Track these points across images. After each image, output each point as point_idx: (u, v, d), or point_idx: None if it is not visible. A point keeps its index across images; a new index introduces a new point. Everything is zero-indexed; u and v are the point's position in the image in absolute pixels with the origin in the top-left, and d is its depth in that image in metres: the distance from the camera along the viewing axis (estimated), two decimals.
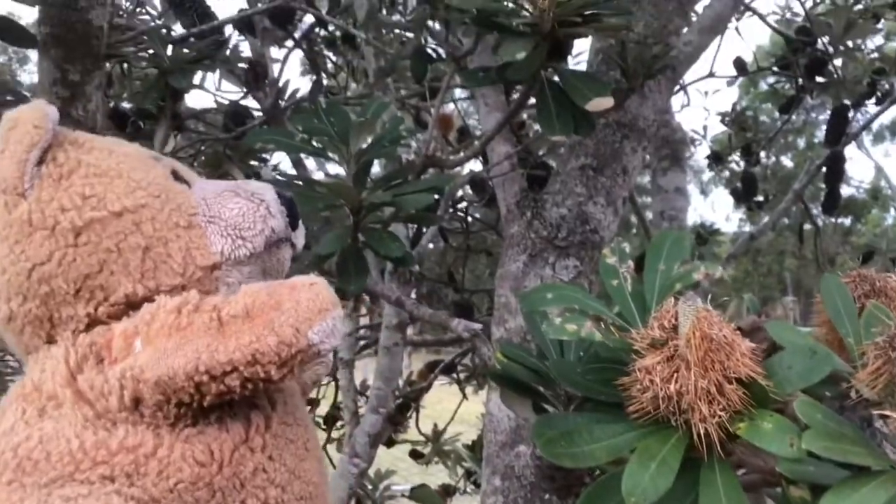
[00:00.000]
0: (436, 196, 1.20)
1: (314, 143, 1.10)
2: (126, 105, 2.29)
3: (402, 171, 1.11)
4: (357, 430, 1.93)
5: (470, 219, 2.88)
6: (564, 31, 1.04)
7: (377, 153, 1.07)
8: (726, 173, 4.43)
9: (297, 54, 2.80)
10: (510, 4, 1.09)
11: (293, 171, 2.22)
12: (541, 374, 1.02)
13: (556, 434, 0.82)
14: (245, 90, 2.01)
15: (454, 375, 3.30)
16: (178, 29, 1.87)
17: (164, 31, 1.67)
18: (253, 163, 2.50)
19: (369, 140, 1.09)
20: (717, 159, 4.09)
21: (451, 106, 3.22)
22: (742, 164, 3.95)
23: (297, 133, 1.10)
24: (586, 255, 1.94)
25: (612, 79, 1.95)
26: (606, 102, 1.03)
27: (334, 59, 2.79)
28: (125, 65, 2.21)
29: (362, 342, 3.14)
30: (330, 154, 1.07)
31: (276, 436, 1.02)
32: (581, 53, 2.25)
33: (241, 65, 2.02)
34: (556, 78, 1.09)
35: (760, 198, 4.07)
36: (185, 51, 1.56)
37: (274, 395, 1.04)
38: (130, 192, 1.02)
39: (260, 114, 2.31)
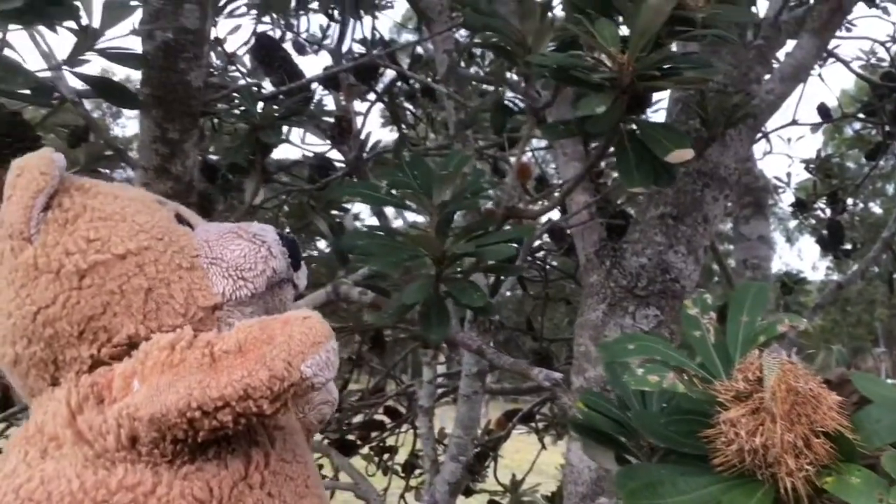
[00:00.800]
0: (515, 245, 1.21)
1: (398, 195, 1.13)
2: (214, 158, 2.39)
3: (483, 221, 1.13)
4: (437, 478, 1.93)
5: (548, 267, 2.89)
6: (643, 85, 1.06)
7: (460, 205, 1.10)
8: (812, 221, 4.33)
9: (378, 106, 2.89)
10: (589, 59, 1.11)
11: (374, 221, 2.28)
12: (622, 425, 1.02)
13: (640, 485, 0.81)
14: (330, 143, 2.08)
15: (532, 425, 3.27)
16: (267, 86, 1.96)
17: (254, 88, 1.75)
18: (334, 212, 2.57)
19: (451, 192, 1.11)
20: (801, 207, 4.00)
21: (529, 154, 3.25)
22: (828, 211, 3.86)
23: (382, 185, 1.14)
24: (667, 304, 1.93)
25: (692, 128, 1.95)
26: (687, 154, 1.03)
27: (414, 111, 2.86)
28: (216, 120, 2.31)
29: (440, 390, 3.15)
30: (413, 206, 1.10)
31: (276, 473, 1.02)
32: (660, 101, 2.25)
33: (327, 119, 2.09)
34: (635, 129, 1.10)
35: (848, 246, 3.96)
36: (275, 107, 1.63)
37: (273, 432, 1.04)
38: (134, 235, 1.03)
39: (342, 165, 2.39)
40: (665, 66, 1.06)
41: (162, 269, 1.04)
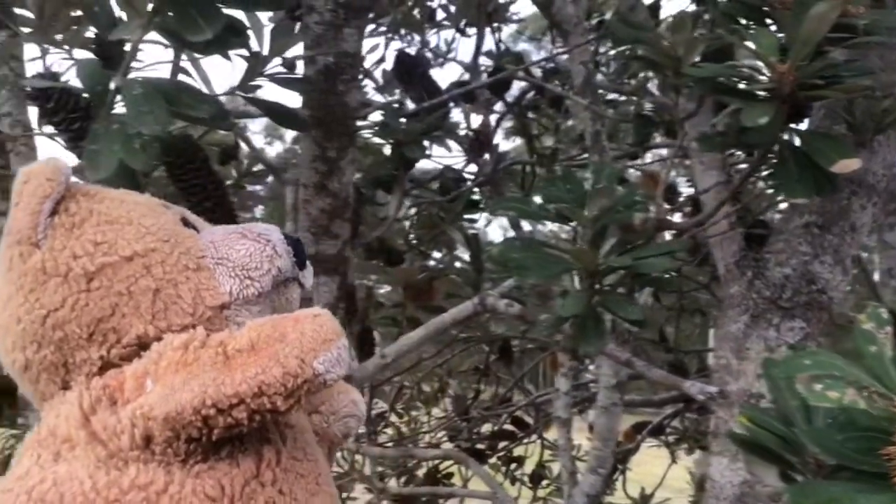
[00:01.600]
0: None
1: (551, 209, 1.14)
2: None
3: (635, 234, 1.13)
4: (575, 490, 1.93)
5: (681, 277, 2.83)
6: (805, 94, 1.04)
7: (613, 218, 1.10)
8: None
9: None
10: (745, 69, 1.10)
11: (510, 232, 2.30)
12: (786, 441, 1.00)
13: (816, 503, 0.80)
14: (467, 156, 2.12)
15: (662, 437, 3.22)
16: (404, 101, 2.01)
17: (395, 105, 1.80)
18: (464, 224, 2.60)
19: (603, 205, 1.12)
20: None
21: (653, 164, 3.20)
22: None
23: (534, 200, 1.15)
24: (813, 316, 1.86)
25: (838, 134, 1.89)
26: (853, 164, 1.01)
27: (541, 122, 2.87)
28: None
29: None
30: (569, 220, 1.11)
31: (287, 470, 1.02)
32: None
33: (458, 132, 2.13)
34: (795, 140, 1.08)
35: None
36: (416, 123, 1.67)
37: (284, 430, 1.04)
38: (140, 238, 1.04)
39: (470, 177, 2.42)
40: (827, 75, 1.04)
41: (169, 269, 1.04)
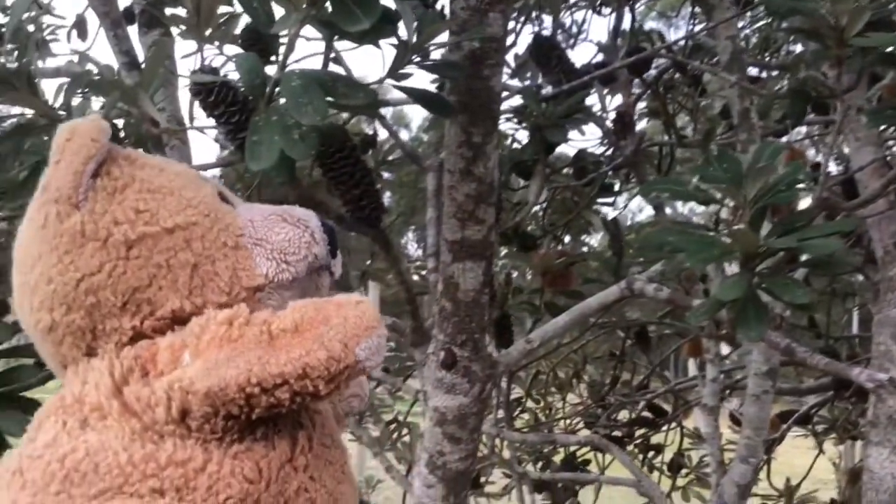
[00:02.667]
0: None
1: (706, 190, 1.10)
2: None
3: (799, 214, 1.08)
4: (724, 479, 1.87)
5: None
6: None
7: (774, 198, 1.06)
8: None
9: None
10: None
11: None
12: None
13: None
14: (609, 139, 2.08)
15: (809, 427, 3.08)
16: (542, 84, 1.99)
17: (535, 89, 1.79)
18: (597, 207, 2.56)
19: (763, 185, 1.07)
20: None
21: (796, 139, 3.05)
22: None
23: (688, 180, 1.12)
24: None
25: None
26: None
27: (679, 101, 2.79)
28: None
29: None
30: (726, 201, 1.07)
31: (317, 456, 1.01)
32: None
33: (597, 114, 2.09)
34: None
35: None
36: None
37: (314, 416, 1.03)
38: (182, 210, 1.02)
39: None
40: None
41: (208, 245, 1.03)
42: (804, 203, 1.25)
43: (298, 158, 1.00)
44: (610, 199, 2.65)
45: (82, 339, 0.99)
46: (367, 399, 1.31)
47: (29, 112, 1.22)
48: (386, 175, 3.03)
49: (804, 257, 1.11)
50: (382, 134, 2.15)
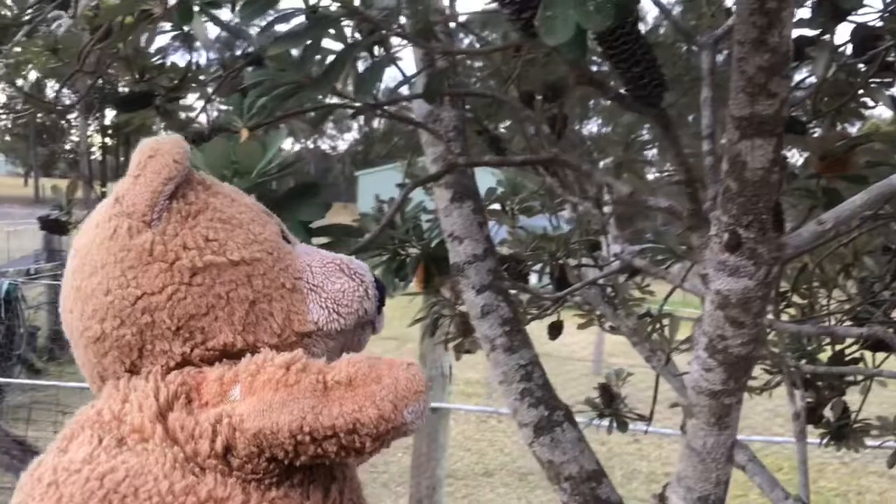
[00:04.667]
0: None
1: None
2: None
3: None
4: None
5: None
6: None
7: None
8: None
9: None
10: None
11: None
12: None
13: None
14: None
15: None
16: None
17: None
18: None
19: None
20: None
21: None
22: None
23: None
24: None
25: None
26: None
27: None
28: None
29: None
30: None
31: None
32: None
33: None
34: None
35: None
36: None
37: (346, 470, 1.02)
38: (249, 244, 1.02)
39: None
40: None
41: (268, 284, 1.03)
42: None
43: (595, 30, 0.99)
44: (890, 79, 2.40)
45: (128, 356, 1.01)
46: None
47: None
48: None
49: None
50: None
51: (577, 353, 9.13)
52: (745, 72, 1.18)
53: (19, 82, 2.36)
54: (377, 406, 0.91)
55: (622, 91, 1.29)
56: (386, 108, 1.23)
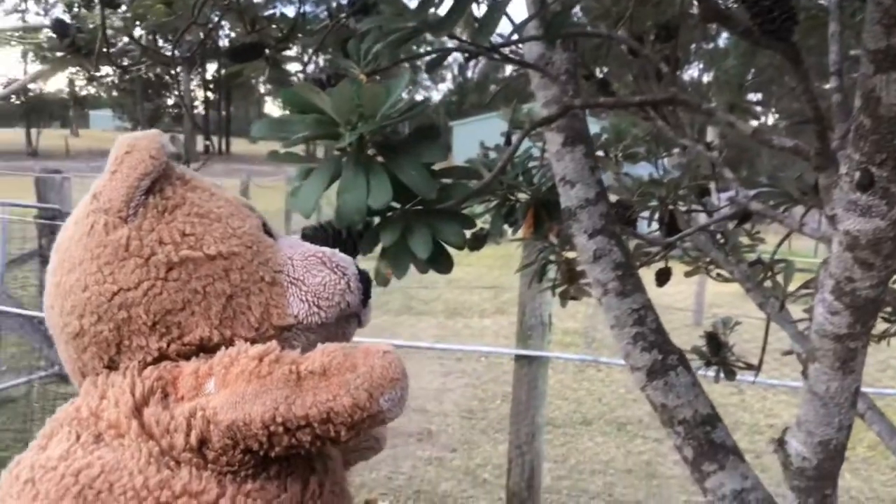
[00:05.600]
0: None
1: None
2: None
3: None
4: None
5: None
6: None
7: None
8: None
9: None
10: None
11: None
12: None
13: None
14: None
15: None
16: None
17: None
18: None
19: None
20: None
21: None
22: None
23: None
24: None
25: None
26: None
27: None
28: None
29: None
30: None
31: (327, 503, 0.99)
32: None
33: None
34: None
35: None
36: None
37: (326, 462, 1.01)
38: (227, 238, 1.01)
39: None
40: None
41: (246, 278, 1.02)
42: None
43: None
44: None
45: (106, 352, 1.01)
46: (382, 448, 1.31)
47: None
48: None
49: None
50: None
51: (677, 302, 9.00)
52: (882, 3, 1.13)
53: (137, 33, 2.44)
54: (351, 395, 0.91)
55: (750, 25, 1.25)
56: (502, 50, 1.22)
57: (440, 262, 1.14)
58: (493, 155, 2.21)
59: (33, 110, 58.32)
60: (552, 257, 2.37)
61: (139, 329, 0.99)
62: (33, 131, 55.74)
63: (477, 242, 1.97)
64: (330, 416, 0.91)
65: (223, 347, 0.99)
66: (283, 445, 0.92)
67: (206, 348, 1.01)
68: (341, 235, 1.25)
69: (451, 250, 1.15)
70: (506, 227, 2.03)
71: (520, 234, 2.17)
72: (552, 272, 2.49)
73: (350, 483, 1.15)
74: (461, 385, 7.61)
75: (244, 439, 0.91)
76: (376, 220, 1.16)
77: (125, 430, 0.94)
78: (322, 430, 0.92)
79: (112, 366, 1.01)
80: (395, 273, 1.12)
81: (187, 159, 2.52)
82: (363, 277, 1.15)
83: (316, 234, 1.27)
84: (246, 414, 0.89)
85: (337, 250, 1.15)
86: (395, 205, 1.11)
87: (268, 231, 1.11)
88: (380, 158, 1.08)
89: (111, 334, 0.99)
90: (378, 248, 1.19)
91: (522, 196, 1.93)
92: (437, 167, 1.20)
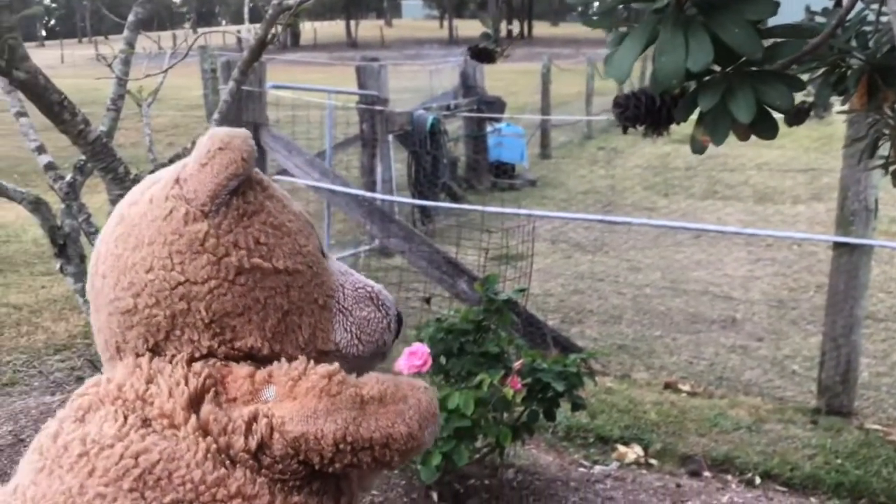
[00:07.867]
0: None
1: None
2: None
3: None
4: None
5: None
6: None
7: None
8: None
9: None
10: None
11: None
12: None
13: None
14: None
15: None
16: None
17: None
18: None
19: None
20: None
21: None
22: None
23: None
24: None
25: None
26: None
27: None
28: None
29: None
30: None
31: None
32: None
33: None
34: None
35: None
36: None
37: (352, 486, 1.03)
38: (294, 254, 1.02)
39: None
40: None
41: (303, 297, 1.03)
42: None
43: None
44: None
45: (154, 335, 1.00)
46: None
47: None
48: None
49: None
50: None
51: None
52: None
53: None
54: (407, 424, 0.97)
55: None
56: None
57: (764, 127, 1.07)
58: (819, 20, 2.02)
59: (352, 3, 62.20)
60: (886, 131, 2.14)
61: (195, 323, 0.99)
62: (352, 23, 59.62)
63: (798, 117, 1.82)
64: (389, 441, 0.96)
65: (274, 361, 1.02)
66: (343, 463, 0.96)
67: (254, 357, 1.02)
68: (654, 103, 1.21)
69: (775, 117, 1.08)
70: (832, 100, 1.85)
71: (847, 106, 1.97)
72: (885, 149, 2.27)
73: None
74: (770, 273, 7.21)
75: (307, 452, 0.94)
76: (692, 85, 1.11)
77: (180, 423, 0.95)
78: (380, 454, 0.96)
79: (156, 350, 1.01)
80: (714, 140, 1.08)
81: (495, 39, 2.57)
82: (399, 318, 1.18)
83: (627, 103, 1.24)
84: (318, 429, 0.93)
85: (383, 287, 1.19)
86: (716, 67, 1.06)
87: (322, 252, 1.12)
88: (700, 17, 1.02)
89: (165, 321, 0.99)
90: (693, 117, 1.15)
91: (855, 62, 1.75)
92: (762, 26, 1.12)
